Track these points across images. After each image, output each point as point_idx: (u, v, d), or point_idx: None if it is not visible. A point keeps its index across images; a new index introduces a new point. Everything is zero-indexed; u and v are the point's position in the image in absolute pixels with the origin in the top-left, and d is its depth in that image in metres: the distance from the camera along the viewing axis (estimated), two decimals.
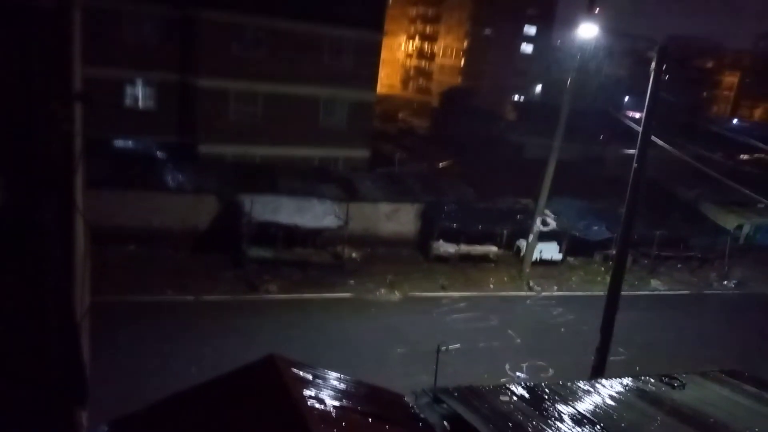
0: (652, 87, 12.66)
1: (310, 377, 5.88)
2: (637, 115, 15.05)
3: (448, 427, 6.20)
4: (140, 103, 25.74)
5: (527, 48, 74.03)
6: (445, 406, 6.52)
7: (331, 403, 5.51)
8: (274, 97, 26.32)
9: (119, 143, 25.55)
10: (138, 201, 19.92)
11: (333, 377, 6.30)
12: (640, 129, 12.83)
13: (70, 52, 3.11)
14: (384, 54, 33.97)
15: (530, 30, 73.91)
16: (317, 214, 20.46)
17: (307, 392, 5.43)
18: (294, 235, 20.52)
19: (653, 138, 13.12)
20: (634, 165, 12.81)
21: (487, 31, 71.79)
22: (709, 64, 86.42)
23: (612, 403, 7.27)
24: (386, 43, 40.73)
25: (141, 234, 19.67)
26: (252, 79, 25.54)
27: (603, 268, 23.94)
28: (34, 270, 3.19)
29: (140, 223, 19.76)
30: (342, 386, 6.18)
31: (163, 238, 19.89)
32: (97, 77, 20.71)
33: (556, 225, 23.99)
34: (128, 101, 25.42)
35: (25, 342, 3.37)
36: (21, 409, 3.46)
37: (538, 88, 70.68)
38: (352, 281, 19.97)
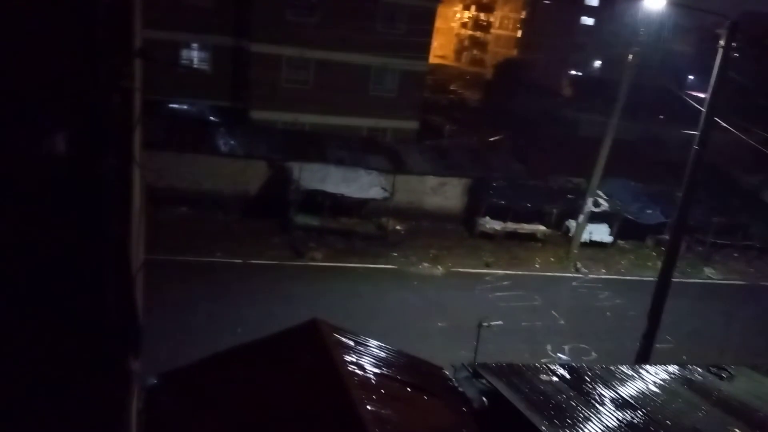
0: (719, 65, 12.02)
1: (352, 343, 5.97)
2: (702, 96, 14.34)
3: (486, 403, 6.20)
4: (195, 67, 26.15)
5: (588, 20, 71.27)
6: (484, 381, 6.52)
7: (371, 369, 5.58)
8: (325, 64, 26.28)
9: (174, 106, 26.10)
10: (191, 164, 20.39)
11: (374, 345, 6.38)
12: (703, 110, 12.25)
13: (132, 9, 3.15)
14: (438, 23, 33.37)
15: (592, 1, 71.01)
16: (363, 184, 20.51)
17: (348, 357, 5.52)
18: (340, 205, 20.67)
19: (717, 120, 12.50)
20: (695, 147, 12.28)
21: (547, 2, 69.36)
22: None
23: (656, 389, 7.12)
24: (441, 11, 39.95)
25: (192, 196, 20.17)
26: (304, 46, 25.53)
27: (655, 253, 23.24)
28: (94, 221, 3.30)
29: (192, 185, 20.25)
30: (382, 354, 6.25)
31: (214, 202, 20.36)
32: (155, 39, 21.18)
33: (609, 206, 23.36)
34: (184, 64, 25.87)
35: (83, 291, 3.51)
36: (78, 355, 3.61)
37: (597, 63, 68.20)
38: (395, 253, 20.04)
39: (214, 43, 25.89)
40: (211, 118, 26.08)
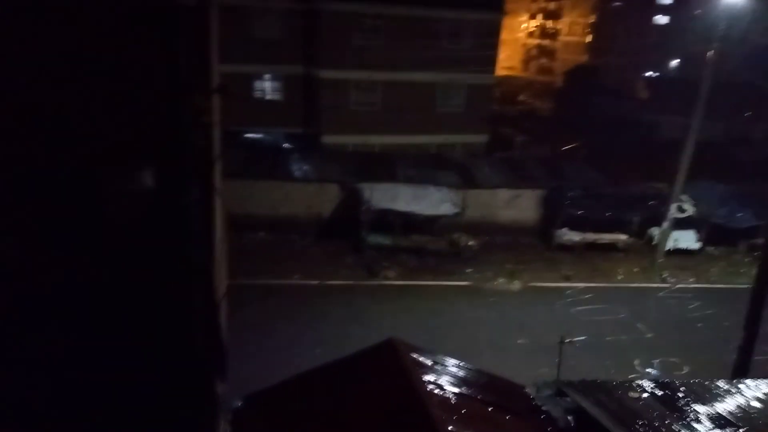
0: None
1: (430, 363, 5.94)
2: None
3: (572, 422, 5.99)
4: (268, 97, 27.22)
5: (662, 19, 68.43)
6: (568, 399, 6.31)
7: (450, 389, 5.53)
8: (392, 85, 26.63)
9: (249, 135, 27.21)
10: (267, 190, 21.12)
11: (452, 364, 6.32)
12: None
13: (209, 47, 3.36)
14: (504, 34, 33.10)
15: None
16: (434, 201, 20.49)
17: (426, 377, 5.50)
18: (411, 223, 20.72)
19: None
20: None
21: (617, 3, 67.27)
22: None
23: (758, 405, 6.64)
24: (506, 22, 39.64)
25: (270, 221, 20.88)
26: (371, 68, 25.99)
27: (748, 259, 21.75)
28: (180, 251, 3.50)
29: (268, 211, 20.96)
30: (461, 373, 6.18)
31: (290, 225, 20.97)
32: (230, 72, 22.19)
33: (694, 211, 22.13)
34: (257, 95, 26.99)
35: (172, 318, 3.71)
36: (167, 380, 3.81)
37: (675, 62, 65.20)
38: (469, 269, 19.82)
39: (284, 72, 26.87)
40: (285, 144, 26.97)
